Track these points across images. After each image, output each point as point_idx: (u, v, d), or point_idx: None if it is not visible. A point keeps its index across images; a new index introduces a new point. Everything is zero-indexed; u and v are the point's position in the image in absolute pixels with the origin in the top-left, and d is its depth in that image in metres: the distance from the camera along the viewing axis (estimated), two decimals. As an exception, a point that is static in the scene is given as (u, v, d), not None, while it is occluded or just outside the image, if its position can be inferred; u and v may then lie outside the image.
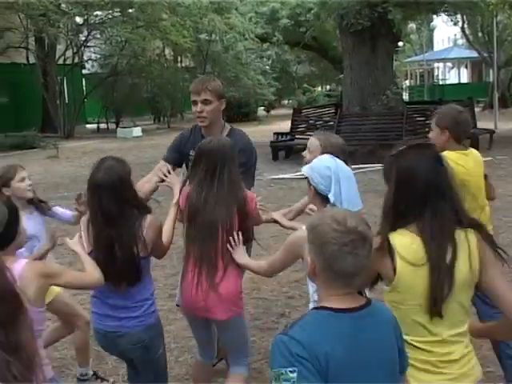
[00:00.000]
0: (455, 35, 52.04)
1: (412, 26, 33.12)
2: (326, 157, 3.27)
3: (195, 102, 4.28)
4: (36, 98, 30.75)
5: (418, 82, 46.42)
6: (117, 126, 33.37)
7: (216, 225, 3.66)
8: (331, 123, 18.20)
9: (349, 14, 17.55)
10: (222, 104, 4.36)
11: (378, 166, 14.11)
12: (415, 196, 2.44)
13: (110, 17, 30.58)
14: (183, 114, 37.94)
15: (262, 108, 42.24)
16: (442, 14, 25.15)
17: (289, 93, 49.98)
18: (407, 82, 47.54)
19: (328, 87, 54.84)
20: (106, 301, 3.54)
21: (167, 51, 37.63)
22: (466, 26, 37.89)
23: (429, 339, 2.45)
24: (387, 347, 2.11)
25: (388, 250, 2.42)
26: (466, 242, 2.45)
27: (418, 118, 18.50)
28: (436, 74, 49.07)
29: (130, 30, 29.11)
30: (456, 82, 45.38)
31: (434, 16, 30.79)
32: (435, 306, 2.39)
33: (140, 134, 29.29)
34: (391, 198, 2.51)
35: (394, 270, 2.42)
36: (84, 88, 35.98)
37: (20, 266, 2.77)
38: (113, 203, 3.35)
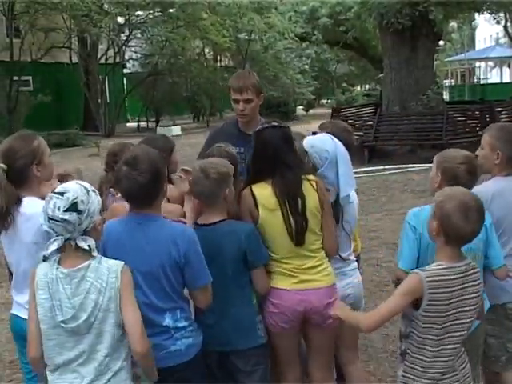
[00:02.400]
0: (497, 34, 51.31)
1: (453, 24, 32.76)
2: (328, 139, 3.64)
3: (237, 101, 4.31)
4: (78, 96, 31.27)
5: (459, 81, 45.82)
6: (157, 125, 33.72)
7: None
8: (370, 123, 18.09)
9: (389, 13, 17.43)
10: (261, 99, 4.42)
11: (418, 167, 14.03)
12: (266, 163, 3.38)
13: (151, 16, 30.96)
14: (222, 113, 38.18)
15: (301, 107, 42.21)
16: (485, 13, 24.80)
17: (328, 92, 49.87)
18: (448, 82, 46.99)
19: (367, 86, 54.58)
20: None
21: (207, 50, 37.90)
22: (509, 24, 37.30)
23: (290, 255, 3.39)
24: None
25: (252, 196, 3.36)
26: (310, 186, 3.40)
27: (458, 118, 18.29)
28: (477, 73, 48.39)
29: (171, 30, 29.43)
30: (498, 81, 44.67)
31: (476, 14, 30.40)
32: (296, 239, 3.35)
33: (179, 132, 29.54)
34: (251, 161, 3.48)
35: (258, 211, 3.36)
36: (125, 87, 36.43)
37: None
38: None
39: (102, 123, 30.15)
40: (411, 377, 2.91)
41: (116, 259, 2.82)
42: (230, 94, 4.40)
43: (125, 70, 37.10)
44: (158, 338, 2.94)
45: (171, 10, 29.46)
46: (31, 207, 3.13)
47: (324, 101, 51.49)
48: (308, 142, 3.64)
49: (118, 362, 2.73)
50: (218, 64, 39.75)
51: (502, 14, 32.27)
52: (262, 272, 3.37)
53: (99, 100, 30.41)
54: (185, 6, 27.91)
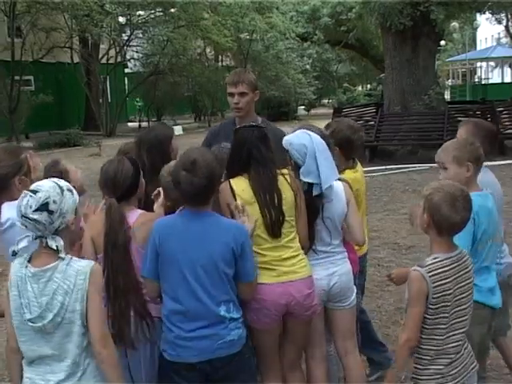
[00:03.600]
0: (499, 34, 51.25)
1: (455, 24, 32.73)
2: (304, 135, 3.71)
3: (232, 94, 4.49)
4: (79, 96, 31.30)
5: (461, 81, 45.81)
6: (158, 125, 33.71)
7: None
8: (372, 123, 18.07)
9: (391, 13, 17.42)
10: (256, 95, 4.58)
11: (420, 166, 14.02)
12: (241, 160, 3.50)
13: (153, 16, 31.00)
14: (224, 112, 38.17)
15: (302, 107, 42.20)
16: (486, 13, 24.79)
17: (329, 92, 49.84)
18: (449, 82, 46.96)
19: (369, 86, 54.56)
20: None
21: (208, 50, 37.88)
22: (510, 24, 37.27)
23: (267, 246, 3.44)
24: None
25: (231, 189, 3.44)
26: (284, 179, 3.51)
27: (459, 118, 18.24)
28: (479, 73, 48.38)
29: (172, 30, 29.46)
30: (499, 81, 44.67)
31: (478, 14, 30.37)
32: (273, 232, 3.43)
33: (181, 132, 29.45)
34: (229, 158, 3.59)
35: None
36: (126, 87, 36.42)
37: (135, 215, 3.29)
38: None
39: (103, 123, 30.16)
40: (421, 367, 3.03)
41: (175, 252, 3.04)
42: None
43: (126, 70, 37.11)
44: (216, 328, 3.08)
45: (172, 10, 29.46)
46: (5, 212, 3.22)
47: (325, 101, 51.47)
48: (287, 140, 3.72)
49: (87, 361, 2.76)
50: (220, 64, 39.76)
51: (503, 14, 32.22)
52: None
53: (100, 100, 30.43)
54: (186, 5, 27.92)
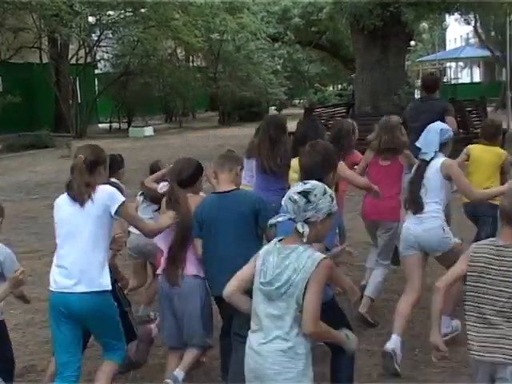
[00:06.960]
0: (467, 34, 51.86)
1: (424, 25, 33.02)
2: None
3: None
4: (49, 97, 30.91)
5: (430, 81, 46.20)
6: (129, 126, 33.47)
7: None
8: (343, 123, 18.15)
9: (362, 13, 17.51)
10: None
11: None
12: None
13: (123, 16, 30.70)
14: (195, 113, 38.04)
15: (274, 108, 42.22)
16: (455, 13, 25.04)
17: (300, 92, 49.93)
18: (419, 82, 47.39)
19: (339, 86, 54.81)
20: None
21: (179, 51, 37.69)
22: (478, 24, 37.72)
23: None
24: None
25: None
26: None
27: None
28: (448, 73, 48.89)
29: (142, 30, 29.21)
30: (468, 81, 45.24)
31: (447, 15, 30.68)
32: None
33: (152, 133, 29.37)
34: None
35: None
36: (96, 88, 36.10)
37: (198, 200, 4.63)
38: None
39: (73, 124, 29.80)
40: None
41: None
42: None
43: (96, 71, 36.75)
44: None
45: (142, 10, 29.25)
46: (99, 191, 4.18)
47: (297, 101, 51.56)
48: None
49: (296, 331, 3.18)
50: (191, 64, 39.58)
51: (471, 15, 32.57)
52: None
53: (70, 101, 30.09)
54: (156, 6, 27.74)
